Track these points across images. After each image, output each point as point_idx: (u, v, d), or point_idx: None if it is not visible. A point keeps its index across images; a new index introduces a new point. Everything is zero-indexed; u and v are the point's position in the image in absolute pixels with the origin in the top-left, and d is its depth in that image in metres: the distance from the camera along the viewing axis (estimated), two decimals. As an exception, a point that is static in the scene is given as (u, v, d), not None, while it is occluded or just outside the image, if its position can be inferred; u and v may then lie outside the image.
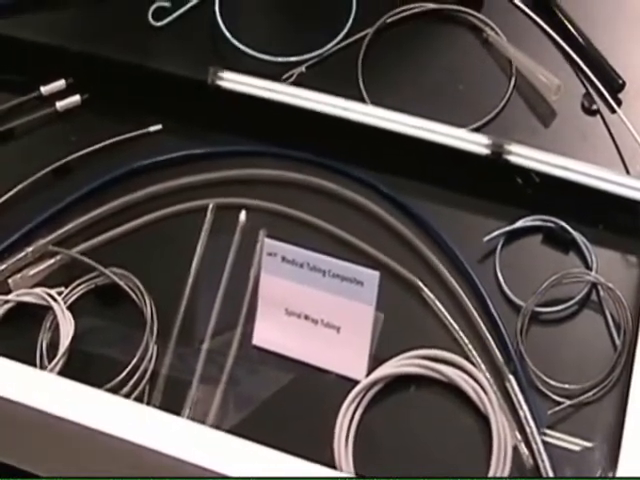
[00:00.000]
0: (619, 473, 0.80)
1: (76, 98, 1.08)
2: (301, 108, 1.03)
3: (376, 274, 0.90)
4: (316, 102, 1.03)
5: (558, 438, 0.88)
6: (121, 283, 0.97)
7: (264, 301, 0.94)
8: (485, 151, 0.99)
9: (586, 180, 0.96)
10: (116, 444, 0.80)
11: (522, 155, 0.98)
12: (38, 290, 0.97)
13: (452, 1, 1.10)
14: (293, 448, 0.79)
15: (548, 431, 0.88)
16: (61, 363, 0.94)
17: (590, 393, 0.89)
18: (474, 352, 0.92)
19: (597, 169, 0.96)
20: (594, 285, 0.94)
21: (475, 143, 0.99)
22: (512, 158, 0.98)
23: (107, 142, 1.06)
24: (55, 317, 0.96)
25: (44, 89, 1.09)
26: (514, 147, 0.98)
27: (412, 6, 1.10)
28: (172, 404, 0.91)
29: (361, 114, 1.02)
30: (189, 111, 1.07)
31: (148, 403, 0.92)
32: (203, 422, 0.90)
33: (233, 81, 1.05)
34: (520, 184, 0.98)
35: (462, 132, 1.00)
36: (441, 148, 1.00)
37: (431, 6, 1.10)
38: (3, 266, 0.98)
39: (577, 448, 0.88)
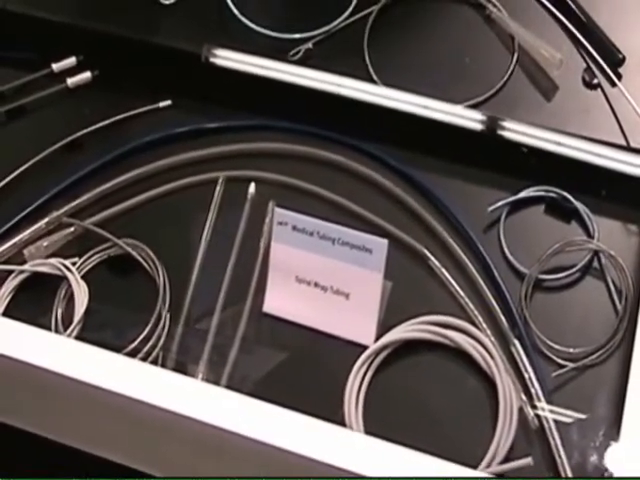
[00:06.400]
0: (622, 435, 0.82)
1: (87, 75, 1.10)
2: (304, 86, 1.06)
3: (384, 242, 0.92)
4: (313, 80, 1.06)
5: (556, 412, 0.90)
6: (134, 253, 0.99)
7: (274, 269, 0.96)
8: (481, 127, 1.01)
9: (582, 156, 0.98)
10: (133, 406, 0.82)
11: (517, 131, 1.00)
12: (53, 260, 0.99)
13: (455, -21, 1.13)
14: (305, 410, 0.81)
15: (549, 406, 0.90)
16: (76, 331, 0.96)
17: (593, 356, 0.91)
18: (480, 318, 0.94)
19: (592, 145, 0.99)
20: (596, 253, 0.96)
21: (472, 119, 1.02)
22: (507, 134, 1.00)
23: (117, 117, 1.08)
24: (69, 287, 0.98)
25: (55, 66, 1.11)
26: (509, 123, 1.00)
27: (417, -17, 1.13)
28: (185, 371, 0.93)
29: (362, 92, 1.04)
30: (198, 87, 1.09)
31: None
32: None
33: (226, 58, 1.07)
34: (525, 153, 1.00)
35: (459, 109, 1.03)
36: (443, 123, 1.02)
37: (435, -16, 1.13)
38: (18, 237, 1.00)
39: (571, 420, 0.89)
